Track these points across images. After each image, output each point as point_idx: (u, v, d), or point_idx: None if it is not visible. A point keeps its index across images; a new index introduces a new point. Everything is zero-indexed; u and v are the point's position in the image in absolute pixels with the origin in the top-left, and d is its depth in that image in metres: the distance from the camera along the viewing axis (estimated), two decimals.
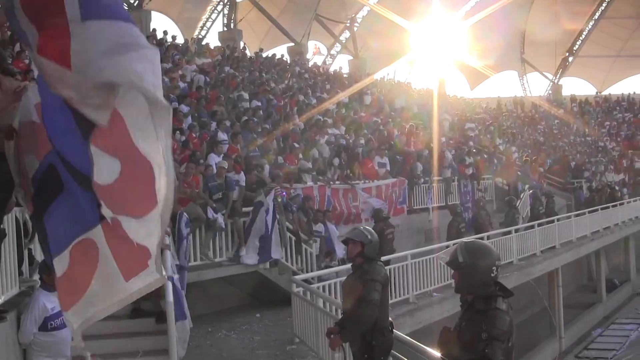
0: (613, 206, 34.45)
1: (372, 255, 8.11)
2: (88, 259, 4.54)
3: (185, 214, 13.95)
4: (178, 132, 19.43)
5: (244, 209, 17.22)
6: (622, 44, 74.37)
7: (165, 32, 36.88)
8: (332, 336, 8.25)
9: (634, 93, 70.44)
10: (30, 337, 8.37)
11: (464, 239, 6.62)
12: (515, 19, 70.29)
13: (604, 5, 71.40)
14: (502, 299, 5.39)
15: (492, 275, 5.47)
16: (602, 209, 32.55)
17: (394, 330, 8.09)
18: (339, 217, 21.47)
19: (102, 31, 4.01)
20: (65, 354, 8.42)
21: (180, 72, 27.40)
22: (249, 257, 16.59)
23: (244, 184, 17.61)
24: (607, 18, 72.02)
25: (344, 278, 13.14)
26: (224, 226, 16.56)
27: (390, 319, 8.14)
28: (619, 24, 72.37)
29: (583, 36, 73.96)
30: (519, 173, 33.08)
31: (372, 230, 8.39)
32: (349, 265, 12.72)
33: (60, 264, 4.72)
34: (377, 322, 7.82)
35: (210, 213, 16.03)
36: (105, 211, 4.34)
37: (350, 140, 25.91)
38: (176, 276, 11.56)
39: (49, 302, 8.19)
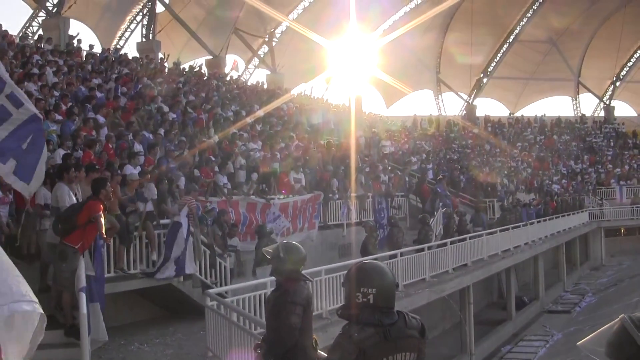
0: (524, 225, 35.21)
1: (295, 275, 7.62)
2: None
3: None
4: (98, 144, 19.18)
5: (162, 222, 17.13)
6: (535, 67, 76.28)
7: (79, 41, 36.31)
8: (258, 351, 7.93)
9: (545, 115, 72.26)
10: None
11: (366, 258, 6.57)
12: (432, 39, 71.54)
13: (518, 28, 73.09)
14: (362, 327, 4.95)
15: (358, 300, 5.06)
16: (512, 228, 33.17)
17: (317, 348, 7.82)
18: (254, 232, 21.46)
19: None
20: None
21: (97, 81, 27.08)
22: (164, 271, 16.50)
23: (155, 197, 17.47)
24: (520, 41, 73.80)
25: (260, 292, 13.17)
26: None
27: (314, 336, 7.70)
28: (532, 48, 74.27)
29: (497, 58, 75.54)
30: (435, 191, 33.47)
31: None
32: (264, 280, 12.73)
33: None
34: (298, 343, 7.45)
35: None
36: None
37: (267, 155, 25.95)
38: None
39: None
